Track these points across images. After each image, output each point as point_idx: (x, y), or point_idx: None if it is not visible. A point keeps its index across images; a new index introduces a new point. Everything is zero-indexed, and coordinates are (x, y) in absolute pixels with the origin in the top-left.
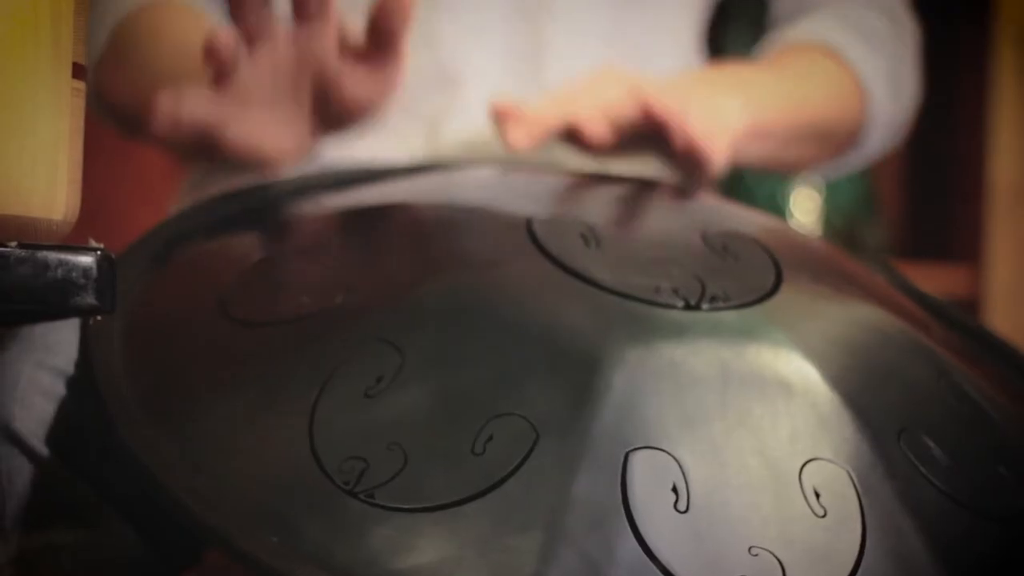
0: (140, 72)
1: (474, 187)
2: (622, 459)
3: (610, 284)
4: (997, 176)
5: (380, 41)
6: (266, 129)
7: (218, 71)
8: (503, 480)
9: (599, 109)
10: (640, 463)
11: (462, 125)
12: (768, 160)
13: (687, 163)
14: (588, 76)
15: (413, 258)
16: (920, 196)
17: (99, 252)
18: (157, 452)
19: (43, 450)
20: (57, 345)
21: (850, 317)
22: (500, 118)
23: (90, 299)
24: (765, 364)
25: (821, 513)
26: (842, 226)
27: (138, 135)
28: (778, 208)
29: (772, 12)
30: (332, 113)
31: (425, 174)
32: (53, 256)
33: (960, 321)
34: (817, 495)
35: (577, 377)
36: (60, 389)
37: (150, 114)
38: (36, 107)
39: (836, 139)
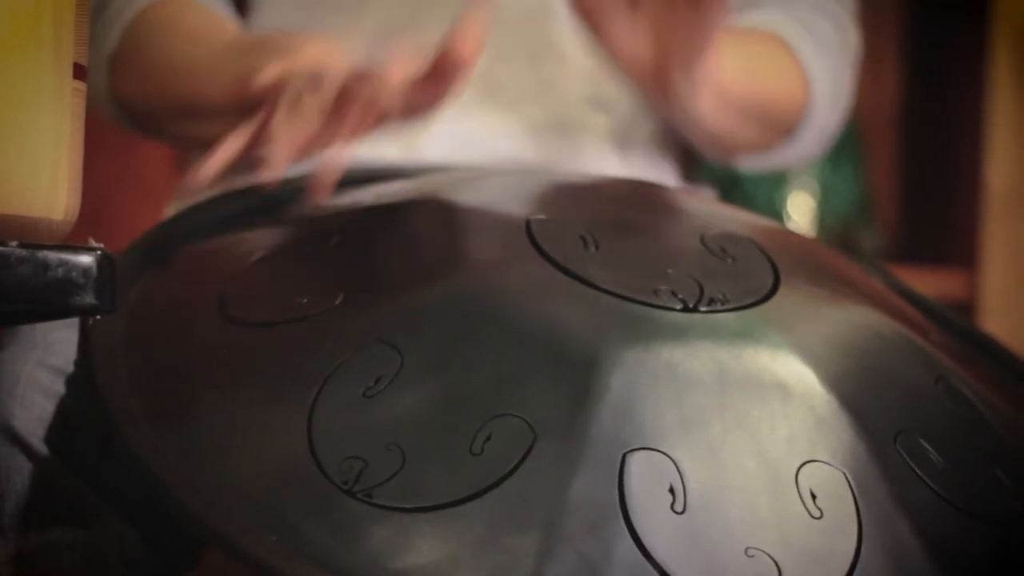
0: (155, 67)
1: (473, 188)
2: (619, 460)
3: (608, 286)
4: (993, 180)
5: (440, 77)
6: None
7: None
8: (501, 480)
9: None
10: (637, 464)
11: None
12: (724, 135)
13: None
14: None
15: (412, 259)
16: (916, 200)
17: (99, 252)
18: (156, 451)
19: (42, 449)
20: (57, 344)
21: (848, 320)
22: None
23: (90, 299)
24: (763, 366)
25: (818, 515)
26: (838, 230)
27: (151, 133)
28: (775, 211)
29: None
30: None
31: (423, 175)
32: (53, 256)
33: (957, 324)
34: (814, 497)
35: (575, 378)
36: (60, 388)
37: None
38: (37, 107)
39: (779, 126)
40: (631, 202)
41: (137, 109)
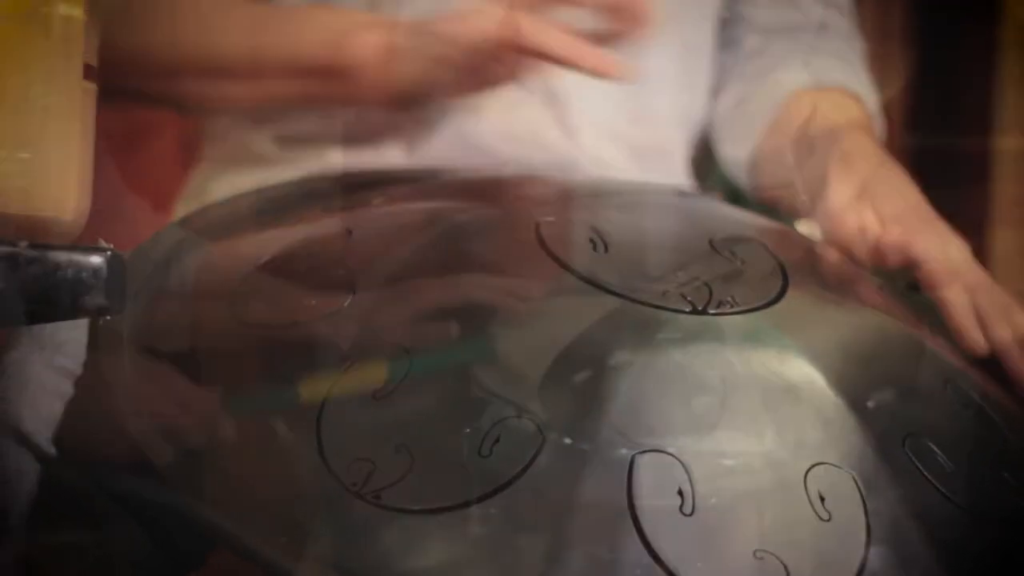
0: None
1: (482, 190)
2: (628, 462)
3: (617, 288)
4: (1001, 181)
5: None
6: None
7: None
8: (510, 482)
9: None
10: (646, 466)
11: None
12: None
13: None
14: None
15: (420, 261)
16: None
17: (109, 252)
18: (165, 452)
19: (51, 450)
20: (66, 345)
21: (855, 322)
22: None
23: (99, 299)
24: (771, 369)
25: (826, 517)
26: None
27: (153, 86)
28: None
29: (743, 17)
30: None
31: (431, 177)
32: (63, 256)
33: None
34: (822, 499)
35: (584, 380)
36: (68, 389)
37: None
38: (47, 108)
39: None
40: (639, 205)
41: (147, 64)
